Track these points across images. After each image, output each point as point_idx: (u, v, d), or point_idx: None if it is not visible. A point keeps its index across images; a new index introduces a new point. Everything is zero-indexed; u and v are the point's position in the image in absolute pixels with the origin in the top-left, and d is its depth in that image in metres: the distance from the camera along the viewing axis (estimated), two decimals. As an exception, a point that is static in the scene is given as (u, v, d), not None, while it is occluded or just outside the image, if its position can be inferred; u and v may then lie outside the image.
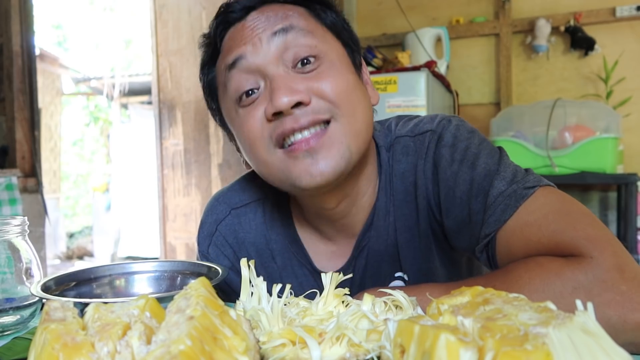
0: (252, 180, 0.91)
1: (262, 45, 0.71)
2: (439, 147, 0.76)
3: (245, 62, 0.72)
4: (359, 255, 0.83)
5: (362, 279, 0.84)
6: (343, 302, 0.53)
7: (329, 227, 0.84)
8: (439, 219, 0.78)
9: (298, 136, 0.70)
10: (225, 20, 0.76)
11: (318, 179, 0.70)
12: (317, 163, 0.69)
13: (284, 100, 0.67)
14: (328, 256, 0.87)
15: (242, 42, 0.72)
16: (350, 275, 0.62)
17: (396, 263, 0.83)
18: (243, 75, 0.72)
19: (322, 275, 0.54)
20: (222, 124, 0.83)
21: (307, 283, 0.86)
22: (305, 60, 0.71)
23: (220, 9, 0.77)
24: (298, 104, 0.69)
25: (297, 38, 0.71)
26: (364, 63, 0.82)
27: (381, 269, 0.83)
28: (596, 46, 2.61)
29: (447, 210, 0.75)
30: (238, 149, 0.83)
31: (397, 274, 0.83)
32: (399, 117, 0.86)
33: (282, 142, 0.70)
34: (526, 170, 0.73)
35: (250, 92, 0.72)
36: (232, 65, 0.73)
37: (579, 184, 2.64)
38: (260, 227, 0.89)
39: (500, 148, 0.76)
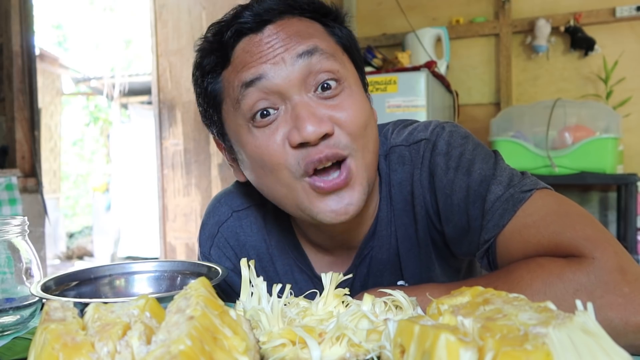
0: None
1: (286, 67, 0.68)
2: (433, 156, 0.76)
3: (266, 82, 0.68)
4: (360, 264, 0.83)
5: (363, 287, 0.84)
6: (343, 302, 0.53)
7: (328, 240, 0.84)
8: (439, 228, 0.78)
9: (325, 173, 0.69)
10: (238, 30, 0.71)
11: (342, 217, 0.70)
12: (342, 201, 0.69)
13: (312, 131, 0.65)
14: (328, 265, 0.86)
15: (260, 60, 0.69)
16: (350, 276, 0.62)
17: (398, 272, 0.83)
18: (261, 95, 0.69)
19: (322, 276, 0.54)
20: (221, 136, 0.79)
21: (307, 289, 0.85)
22: (326, 84, 0.69)
23: (231, 16, 0.73)
24: (324, 135, 0.67)
25: (321, 61, 0.69)
26: (366, 80, 0.81)
27: (383, 278, 0.83)
28: (596, 46, 2.61)
29: (446, 218, 0.75)
30: (232, 163, 0.81)
31: (399, 283, 0.83)
32: (395, 124, 0.85)
33: (311, 171, 0.69)
34: (522, 173, 0.73)
35: (265, 111, 0.70)
36: (250, 83, 0.69)
37: (578, 184, 2.64)
38: (261, 232, 0.89)
39: (495, 152, 0.76)
